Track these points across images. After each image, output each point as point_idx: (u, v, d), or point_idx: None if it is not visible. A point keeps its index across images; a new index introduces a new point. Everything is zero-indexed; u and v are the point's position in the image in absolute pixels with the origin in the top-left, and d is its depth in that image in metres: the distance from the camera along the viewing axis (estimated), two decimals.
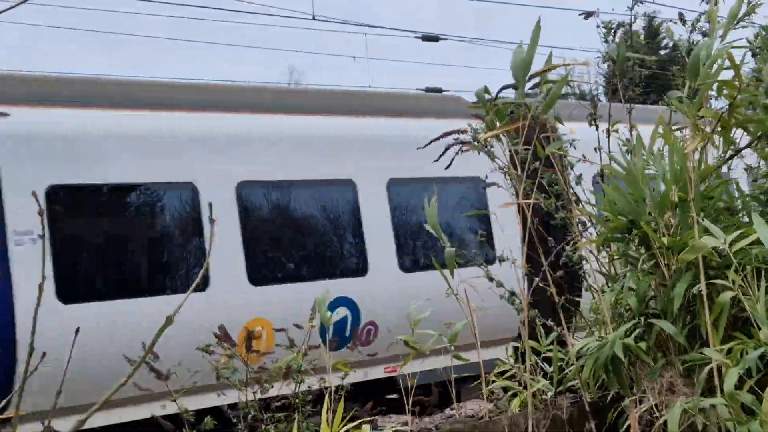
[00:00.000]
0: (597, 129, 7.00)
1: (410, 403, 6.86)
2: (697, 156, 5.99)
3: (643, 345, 5.70)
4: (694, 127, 5.97)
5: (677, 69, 7.31)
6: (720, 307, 5.38)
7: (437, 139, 7.04)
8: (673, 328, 5.61)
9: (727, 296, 5.35)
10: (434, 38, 26.06)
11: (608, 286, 6.46)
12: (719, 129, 6.21)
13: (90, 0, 43.99)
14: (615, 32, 7.39)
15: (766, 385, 5.25)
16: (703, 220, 5.62)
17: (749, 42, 6.47)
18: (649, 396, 5.68)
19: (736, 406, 5.17)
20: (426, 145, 7.25)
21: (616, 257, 6.47)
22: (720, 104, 6.62)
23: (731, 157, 6.63)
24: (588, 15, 7.26)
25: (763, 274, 5.34)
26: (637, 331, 5.79)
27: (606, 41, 7.34)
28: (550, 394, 6.64)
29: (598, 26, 7.31)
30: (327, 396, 6.12)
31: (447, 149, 6.83)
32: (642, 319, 5.81)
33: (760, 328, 5.20)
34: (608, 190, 5.98)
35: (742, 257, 5.46)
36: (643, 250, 6.01)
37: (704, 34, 7.01)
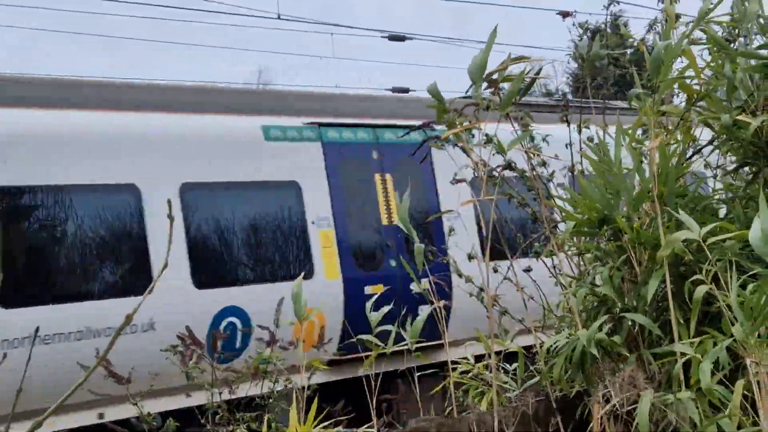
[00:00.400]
0: (569, 126, 7.06)
1: (374, 403, 6.86)
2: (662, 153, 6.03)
3: (617, 339, 5.73)
4: (656, 124, 6.03)
5: (630, 64, 7.39)
6: (696, 303, 5.41)
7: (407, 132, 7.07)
8: (646, 319, 5.65)
9: (701, 291, 5.38)
10: (401, 38, 26.05)
11: (577, 283, 6.49)
12: (681, 126, 6.28)
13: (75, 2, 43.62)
14: (593, 34, 7.47)
15: (734, 379, 5.29)
16: (678, 212, 5.65)
17: (707, 41, 6.54)
18: (610, 391, 5.72)
19: (704, 401, 5.20)
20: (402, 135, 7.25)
21: (584, 253, 6.50)
22: (680, 100, 6.69)
23: (693, 154, 6.70)
24: (565, 15, 7.33)
25: (735, 268, 5.36)
26: (608, 327, 5.82)
27: (581, 39, 7.41)
28: (515, 391, 6.66)
29: (573, 24, 7.40)
30: (296, 395, 6.11)
31: (421, 144, 6.84)
32: (617, 311, 5.84)
33: (733, 323, 5.22)
34: (583, 182, 6.00)
35: (716, 252, 5.50)
36: (613, 246, 6.04)
37: (658, 34, 7.09)
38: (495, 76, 6.25)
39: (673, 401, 5.33)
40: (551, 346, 5.94)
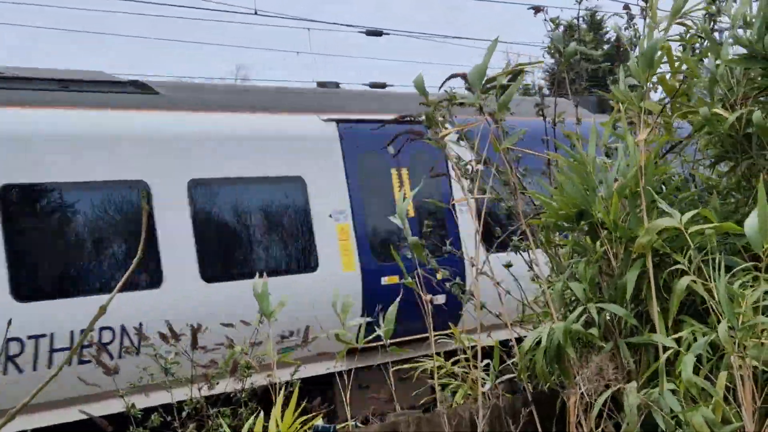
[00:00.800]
0: (545, 120, 7.10)
1: (348, 398, 6.85)
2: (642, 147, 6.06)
3: (594, 331, 5.75)
4: (642, 118, 6.07)
5: (607, 62, 7.46)
6: (678, 294, 5.43)
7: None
8: (623, 310, 5.68)
9: (685, 282, 5.40)
10: (378, 33, 26.02)
11: (554, 276, 6.50)
12: (662, 121, 6.32)
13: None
14: (565, 29, 7.53)
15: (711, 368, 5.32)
16: (657, 202, 5.68)
17: (681, 36, 6.58)
18: (580, 383, 5.74)
19: (684, 393, 5.21)
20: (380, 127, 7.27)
21: (562, 246, 6.51)
22: (659, 95, 6.74)
23: (671, 149, 6.72)
24: (537, 10, 7.39)
25: (716, 260, 5.38)
26: (584, 317, 5.84)
27: (553, 31, 7.48)
28: (488, 385, 6.65)
29: (545, 20, 7.46)
30: (275, 392, 6.11)
31: (394, 138, 6.85)
32: (590, 304, 5.85)
33: (718, 318, 5.24)
34: (560, 177, 6.03)
35: (696, 242, 5.52)
36: (590, 240, 6.06)
37: (635, 30, 7.16)
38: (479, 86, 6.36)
39: (654, 395, 5.33)
40: (532, 341, 5.95)
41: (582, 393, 5.71)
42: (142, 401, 8.40)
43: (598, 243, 5.94)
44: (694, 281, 5.39)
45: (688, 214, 5.45)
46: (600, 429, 5.76)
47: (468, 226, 11.10)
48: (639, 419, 5.36)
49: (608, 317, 5.87)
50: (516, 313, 7.00)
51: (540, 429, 6.28)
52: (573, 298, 6.16)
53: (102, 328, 9.52)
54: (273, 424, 5.63)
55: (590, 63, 7.64)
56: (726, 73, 6.09)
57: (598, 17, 39.36)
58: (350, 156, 12.27)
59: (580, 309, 5.83)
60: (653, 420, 5.34)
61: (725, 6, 6.34)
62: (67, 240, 9.78)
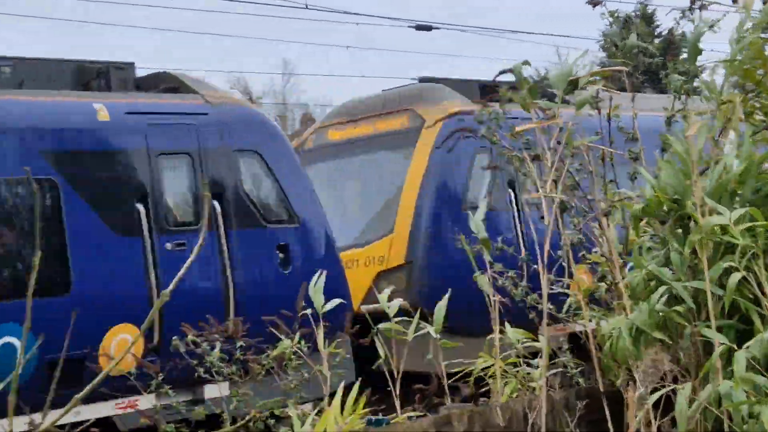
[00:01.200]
0: (599, 113, 7.07)
1: (398, 391, 6.85)
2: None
3: (681, 308, 5.71)
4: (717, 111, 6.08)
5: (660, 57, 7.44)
6: (730, 291, 5.41)
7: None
8: (708, 284, 5.64)
9: (734, 278, 5.39)
10: (428, 27, 25.97)
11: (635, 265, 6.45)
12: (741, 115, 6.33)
13: None
14: (623, 22, 7.53)
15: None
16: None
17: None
18: (636, 377, 5.72)
19: (749, 387, 5.19)
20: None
21: (644, 235, 6.44)
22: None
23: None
24: (595, 3, 7.36)
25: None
26: (664, 298, 5.79)
27: (611, 27, 7.49)
28: (541, 381, 6.63)
29: (602, 15, 7.47)
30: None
31: (452, 134, 6.87)
32: (675, 283, 5.80)
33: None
34: (664, 165, 6.01)
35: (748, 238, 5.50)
36: (680, 232, 6.03)
37: (692, 22, 7.13)
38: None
39: (724, 388, 5.31)
40: (611, 329, 5.91)
41: (640, 389, 5.69)
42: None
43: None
44: (745, 278, 5.40)
45: (736, 213, 5.46)
46: (657, 424, 5.74)
47: None
48: (693, 414, 5.35)
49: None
50: None
51: (610, 423, 6.26)
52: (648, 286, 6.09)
53: None
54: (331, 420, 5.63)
55: (647, 57, 7.62)
56: None
57: (650, 11, 39.12)
58: None
59: (662, 289, 5.77)
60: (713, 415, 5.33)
61: None
62: None
